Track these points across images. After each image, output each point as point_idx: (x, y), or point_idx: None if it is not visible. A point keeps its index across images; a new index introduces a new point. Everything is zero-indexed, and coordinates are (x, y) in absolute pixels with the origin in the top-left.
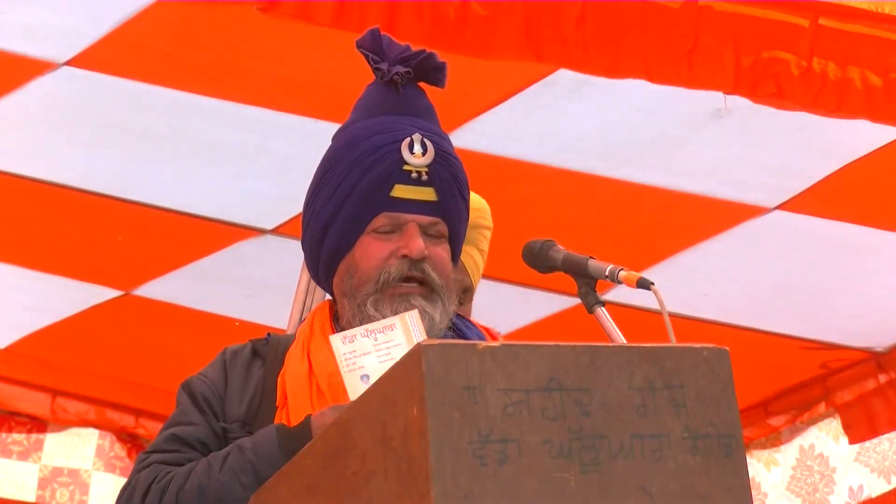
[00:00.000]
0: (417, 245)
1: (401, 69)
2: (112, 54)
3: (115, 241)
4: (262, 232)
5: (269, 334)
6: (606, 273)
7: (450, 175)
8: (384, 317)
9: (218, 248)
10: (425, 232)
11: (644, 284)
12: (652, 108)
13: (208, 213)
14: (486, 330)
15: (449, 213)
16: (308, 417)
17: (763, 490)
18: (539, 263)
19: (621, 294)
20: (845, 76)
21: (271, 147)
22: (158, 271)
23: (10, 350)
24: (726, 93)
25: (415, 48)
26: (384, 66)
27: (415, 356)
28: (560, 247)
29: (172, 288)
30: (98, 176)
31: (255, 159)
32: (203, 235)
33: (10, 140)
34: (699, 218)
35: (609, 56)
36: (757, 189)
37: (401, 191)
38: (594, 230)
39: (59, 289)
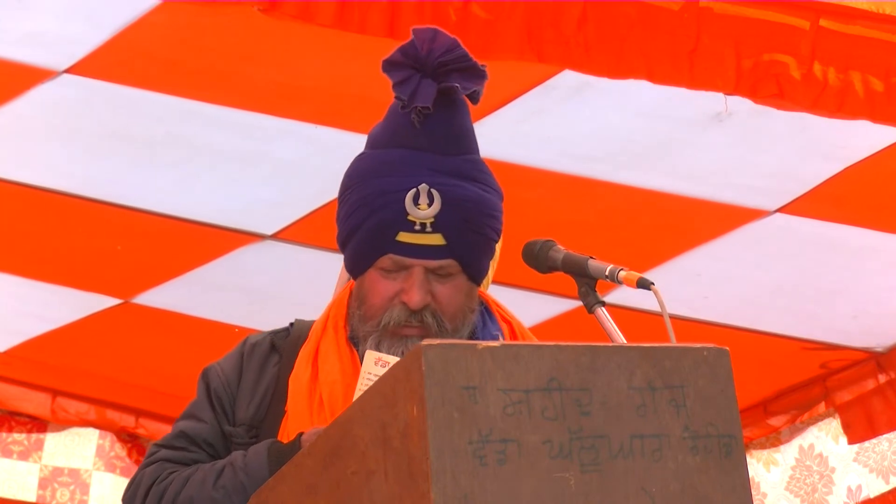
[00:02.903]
0: (416, 297)
1: (420, 104)
2: (111, 61)
3: (114, 249)
4: (262, 237)
5: (292, 323)
6: (606, 273)
7: (460, 220)
8: None
9: (218, 254)
10: (434, 272)
11: (644, 284)
12: (653, 112)
13: (208, 220)
14: (509, 323)
15: (460, 254)
16: (299, 437)
17: (762, 490)
18: (539, 264)
19: (621, 296)
20: (846, 80)
21: (271, 153)
22: (158, 279)
23: (9, 353)
24: (728, 93)
25: (456, 50)
26: (405, 94)
27: (415, 356)
28: (560, 247)
29: (172, 296)
30: (98, 183)
31: (254, 165)
32: (203, 242)
33: (11, 148)
34: (700, 221)
35: (610, 56)
36: (758, 192)
37: (406, 237)
38: (595, 233)
39: (58, 297)
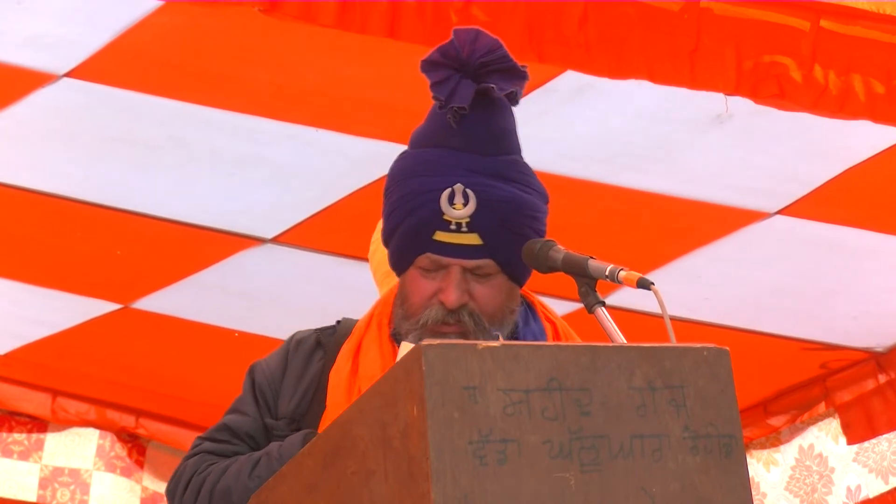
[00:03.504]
0: (453, 297)
1: (457, 104)
2: (111, 65)
3: (114, 253)
4: (262, 241)
5: (339, 321)
6: (606, 273)
7: (497, 221)
8: None
9: (218, 258)
10: (472, 272)
11: (644, 284)
12: (653, 114)
13: (208, 223)
14: (553, 323)
15: (497, 254)
16: None
17: (762, 490)
18: (539, 264)
19: (622, 297)
20: (847, 84)
21: (271, 156)
22: (158, 284)
23: (9, 356)
24: (728, 94)
25: (497, 51)
26: (443, 94)
27: (415, 356)
28: (560, 247)
29: (172, 300)
30: (98, 187)
31: (255, 168)
32: (203, 245)
33: (11, 152)
34: (700, 223)
35: (611, 57)
36: (758, 194)
37: (442, 236)
38: (595, 236)
39: (57, 302)
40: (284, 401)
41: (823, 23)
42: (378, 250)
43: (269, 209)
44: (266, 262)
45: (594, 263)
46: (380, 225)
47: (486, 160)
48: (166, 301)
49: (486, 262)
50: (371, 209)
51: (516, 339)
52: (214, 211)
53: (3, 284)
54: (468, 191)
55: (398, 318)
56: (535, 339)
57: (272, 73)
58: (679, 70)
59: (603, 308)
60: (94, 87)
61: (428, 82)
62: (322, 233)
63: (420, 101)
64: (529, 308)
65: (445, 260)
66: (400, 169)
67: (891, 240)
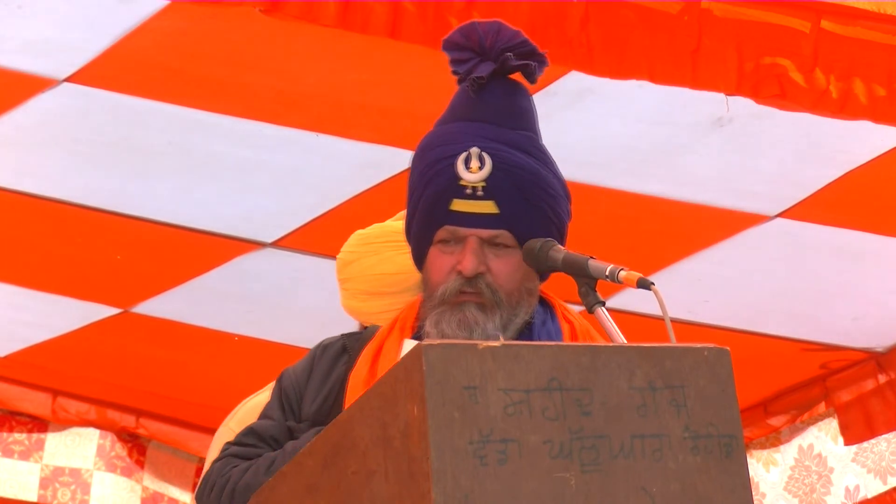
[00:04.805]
0: (469, 264)
1: (475, 75)
2: (111, 70)
3: (114, 258)
4: (262, 245)
5: (365, 326)
6: (606, 273)
7: (512, 186)
8: (441, 334)
9: (218, 262)
10: (489, 243)
11: (644, 284)
12: (653, 118)
13: (208, 228)
14: (570, 323)
15: (514, 224)
16: None
17: (761, 490)
18: (539, 263)
19: (621, 300)
20: (848, 87)
21: (272, 161)
22: (158, 288)
23: (9, 358)
24: (729, 94)
25: (518, 38)
26: (462, 70)
27: (415, 356)
28: (560, 247)
29: (172, 305)
30: (98, 191)
31: (255, 173)
32: (203, 250)
33: (11, 157)
34: (700, 227)
35: (613, 57)
36: (758, 198)
37: (459, 205)
38: (596, 240)
39: (57, 307)
40: (307, 403)
41: (824, 24)
42: (360, 259)
43: (270, 213)
44: (266, 266)
45: (594, 263)
46: (355, 235)
47: (504, 131)
48: (166, 305)
49: (503, 233)
50: (372, 213)
51: (531, 338)
52: (214, 215)
53: (3, 289)
54: (484, 154)
55: (424, 301)
56: (551, 339)
57: (272, 78)
58: (680, 70)
59: (603, 308)
60: (93, 91)
61: (429, 88)
62: (322, 237)
63: (420, 105)
64: (549, 309)
65: (462, 231)
66: (420, 146)
67: (891, 241)
